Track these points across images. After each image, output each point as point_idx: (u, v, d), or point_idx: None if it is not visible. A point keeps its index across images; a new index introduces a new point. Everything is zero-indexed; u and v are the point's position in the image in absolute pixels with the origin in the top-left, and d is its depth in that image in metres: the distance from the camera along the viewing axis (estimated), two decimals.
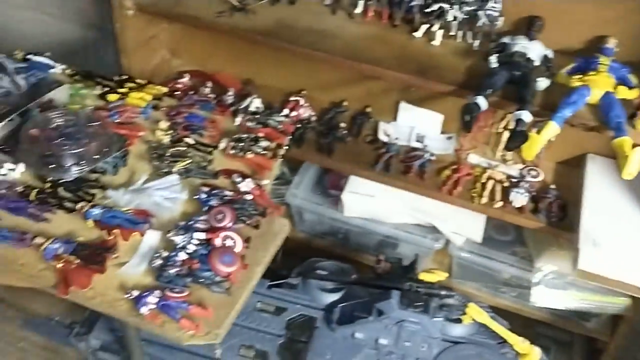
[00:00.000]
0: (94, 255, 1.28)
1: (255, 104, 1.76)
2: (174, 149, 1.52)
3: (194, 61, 2.02)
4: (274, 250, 1.41)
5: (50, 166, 1.41)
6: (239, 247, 1.33)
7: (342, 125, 1.85)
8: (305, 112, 1.86)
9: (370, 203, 1.84)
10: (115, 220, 1.34)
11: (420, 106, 1.83)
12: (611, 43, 1.51)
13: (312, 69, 1.87)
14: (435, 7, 1.58)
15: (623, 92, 1.44)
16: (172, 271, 1.27)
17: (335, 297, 1.73)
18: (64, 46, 2.24)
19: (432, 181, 1.73)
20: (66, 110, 1.52)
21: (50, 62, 1.74)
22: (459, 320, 1.63)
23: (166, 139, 1.56)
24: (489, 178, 1.72)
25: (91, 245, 1.31)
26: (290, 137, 1.66)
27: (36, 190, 1.40)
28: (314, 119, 1.87)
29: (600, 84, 1.42)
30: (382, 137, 1.84)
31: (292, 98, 1.87)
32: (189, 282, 1.27)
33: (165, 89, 1.73)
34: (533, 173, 1.73)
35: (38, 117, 1.49)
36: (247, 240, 1.36)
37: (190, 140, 1.56)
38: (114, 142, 1.50)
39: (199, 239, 1.32)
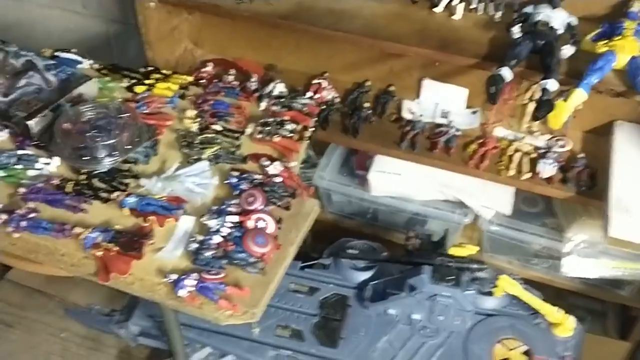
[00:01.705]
0: (131, 242, 1.31)
1: (279, 88, 1.77)
2: (202, 136, 1.54)
3: (216, 49, 2.04)
4: (305, 230, 1.43)
5: (84, 158, 1.44)
6: (271, 228, 1.35)
7: (366, 105, 1.85)
8: (328, 94, 1.86)
9: (397, 181, 1.85)
10: (150, 207, 1.37)
11: (444, 82, 1.82)
12: (636, 7, 1.49)
13: (333, 50, 1.88)
14: None
15: None
16: (208, 254, 1.29)
17: (367, 275, 1.75)
18: (88, 42, 2.29)
19: (458, 156, 1.73)
20: (96, 104, 1.55)
21: (78, 58, 1.77)
22: (490, 293, 1.64)
23: (194, 127, 1.58)
24: (516, 150, 1.71)
25: (128, 232, 1.34)
26: (315, 119, 1.67)
27: (72, 182, 1.43)
28: (337, 100, 1.87)
29: (626, 49, 1.41)
30: (406, 115, 1.83)
31: (314, 81, 1.88)
32: (225, 264, 1.29)
33: (190, 78, 1.75)
34: (560, 143, 1.72)
35: (70, 111, 1.52)
36: (279, 221, 1.38)
37: (217, 127, 1.58)
38: (144, 132, 1.52)
39: (232, 222, 1.34)
